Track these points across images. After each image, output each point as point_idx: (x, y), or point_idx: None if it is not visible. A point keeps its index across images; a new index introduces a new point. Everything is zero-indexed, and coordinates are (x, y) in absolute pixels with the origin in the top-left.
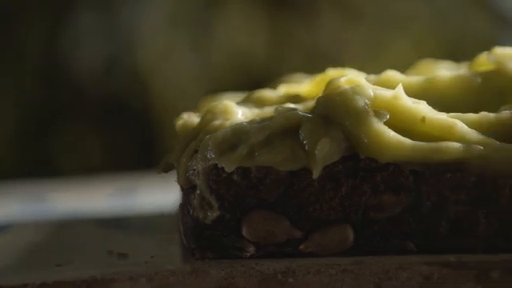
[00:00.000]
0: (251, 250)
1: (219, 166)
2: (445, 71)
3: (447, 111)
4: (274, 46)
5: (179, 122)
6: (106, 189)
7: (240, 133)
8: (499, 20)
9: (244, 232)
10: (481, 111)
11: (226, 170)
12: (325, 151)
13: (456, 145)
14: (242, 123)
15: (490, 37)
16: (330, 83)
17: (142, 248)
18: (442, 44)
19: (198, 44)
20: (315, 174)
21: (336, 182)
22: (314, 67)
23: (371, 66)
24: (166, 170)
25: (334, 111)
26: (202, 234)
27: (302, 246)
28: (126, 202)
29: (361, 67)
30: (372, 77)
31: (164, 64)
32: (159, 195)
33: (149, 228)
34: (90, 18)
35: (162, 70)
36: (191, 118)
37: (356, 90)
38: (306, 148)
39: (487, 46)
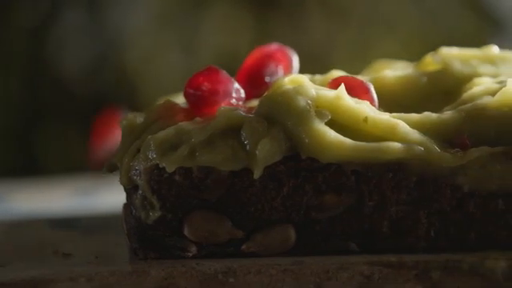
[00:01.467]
0: (193, 250)
1: (161, 165)
2: (393, 71)
3: (392, 111)
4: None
5: (123, 122)
6: (68, 188)
7: (182, 133)
8: (489, 21)
9: (186, 232)
10: (426, 111)
11: (167, 170)
12: (265, 151)
13: (397, 145)
14: (184, 123)
15: (479, 38)
16: (274, 83)
17: (87, 248)
18: (431, 45)
19: (184, 44)
20: (256, 175)
21: (278, 182)
22: (300, 68)
23: (359, 67)
24: (111, 169)
25: (276, 111)
26: (145, 234)
27: (243, 246)
28: (84, 201)
29: (349, 68)
30: (318, 77)
31: (151, 64)
32: (120, 195)
33: (99, 228)
34: (77, 17)
35: (149, 70)
36: (135, 118)
37: (298, 90)
38: (247, 148)
39: (477, 48)
